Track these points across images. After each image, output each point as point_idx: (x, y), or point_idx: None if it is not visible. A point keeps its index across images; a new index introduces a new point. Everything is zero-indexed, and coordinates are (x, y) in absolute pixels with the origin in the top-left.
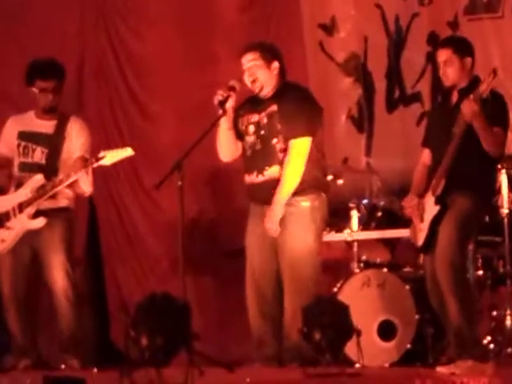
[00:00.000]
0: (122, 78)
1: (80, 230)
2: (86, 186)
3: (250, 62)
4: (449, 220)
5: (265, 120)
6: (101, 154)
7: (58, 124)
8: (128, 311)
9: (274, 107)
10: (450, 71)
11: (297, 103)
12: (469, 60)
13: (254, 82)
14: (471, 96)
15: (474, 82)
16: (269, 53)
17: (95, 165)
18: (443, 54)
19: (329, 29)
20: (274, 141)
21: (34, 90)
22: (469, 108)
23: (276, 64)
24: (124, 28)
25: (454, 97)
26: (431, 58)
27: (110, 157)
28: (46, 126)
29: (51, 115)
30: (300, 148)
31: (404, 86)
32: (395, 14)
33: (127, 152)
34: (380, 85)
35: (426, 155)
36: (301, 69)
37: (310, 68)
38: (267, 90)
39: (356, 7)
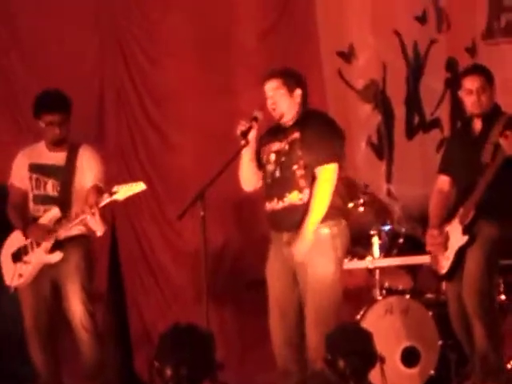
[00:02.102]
0: (141, 107)
1: (102, 261)
2: (96, 226)
3: (273, 90)
4: (477, 248)
5: (286, 147)
6: (114, 189)
7: (68, 155)
8: None
9: (297, 134)
10: (484, 98)
11: (319, 130)
12: (494, 88)
13: (274, 109)
14: (510, 132)
15: (496, 109)
16: (292, 80)
17: (108, 200)
18: (476, 82)
19: (347, 56)
20: (295, 167)
21: (41, 123)
22: (511, 144)
23: (299, 91)
24: (142, 57)
25: (477, 124)
26: (450, 85)
27: (124, 191)
28: (57, 158)
29: (61, 147)
30: (327, 174)
31: (423, 112)
32: (413, 41)
33: (140, 186)
34: (399, 111)
35: (443, 182)
36: (320, 96)
37: (329, 95)
38: (288, 118)
39: (374, 34)
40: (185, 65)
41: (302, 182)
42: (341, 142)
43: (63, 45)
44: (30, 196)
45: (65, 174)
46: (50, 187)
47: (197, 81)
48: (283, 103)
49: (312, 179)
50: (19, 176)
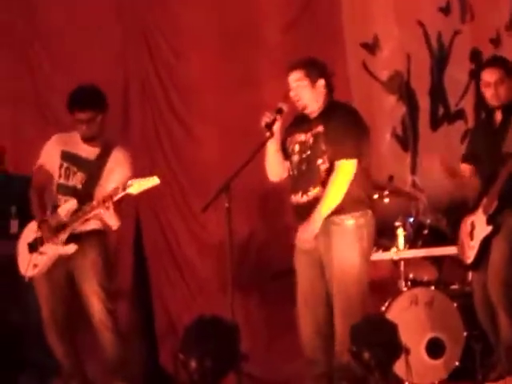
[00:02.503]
0: (165, 99)
1: (126, 254)
2: (111, 221)
3: (296, 81)
4: (502, 238)
5: (311, 140)
6: (128, 183)
7: (100, 153)
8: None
9: (320, 128)
10: (503, 91)
11: (343, 124)
12: None
13: (298, 100)
14: None
15: None
16: (314, 71)
17: (122, 194)
18: (494, 74)
19: (371, 48)
20: (319, 161)
21: (74, 119)
22: None
23: (321, 82)
24: (167, 49)
25: (498, 115)
26: (474, 75)
27: (137, 186)
28: (89, 152)
29: (95, 142)
30: (345, 169)
31: (448, 103)
32: (437, 32)
33: (154, 181)
34: (424, 103)
35: (464, 170)
36: (344, 88)
37: (353, 87)
38: (312, 109)
39: (398, 25)
40: (209, 57)
41: (326, 176)
42: (363, 136)
43: (86, 36)
44: (55, 184)
45: (93, 170)
46: (78, 179)
47: (221, 73)
48: (306, 94)
49: None
50: (50, 160)
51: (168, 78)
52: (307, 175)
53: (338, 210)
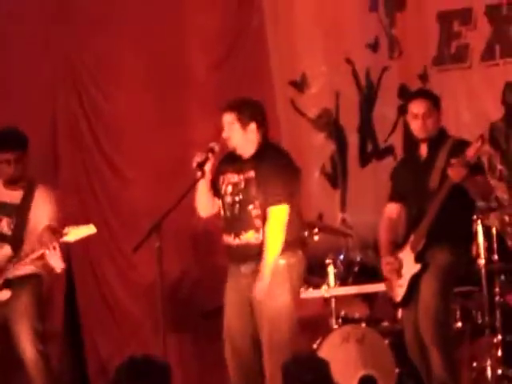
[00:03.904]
0: (94, 141)
1: (58, 296)
2: (56, 262)
3: (227, 124)
4: (431, 277)
5: (242, 184)
6: (65, 230)
7: (24, 194)
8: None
9: (252, 173)
10: (430, 123)
11: (273, 170)
12: (440, 112)
13: (228, 140)
14: (456, 161)
15: (442, 133)
16: (246, 114)
17: (59, 241)
18: (422, 106)
19: (300, 85)
20: (250, 207)
21: None
22: (457, 173)
23: (253, 126)
24: (95, 90)
25: (423, 149)
26: (402, 112)
27: (74, 234)
28: (13, 196)
29: (18, 185)
30: (278, 215)
31: (376, 139)
32: (366, 68)
33: (90, 229)
34: (352, 139)
35: (391, 210)
36: (273, 126)
37: (282, 125)
38: (243, 151)
39: (326, 63)
40: (137, 97)
41: (258, 222)
42: (294, 179)
43: (15, 79)
44: None
45: (20, 213)
46: (4, 225)
47: (149, 113)
48: (236, 137)
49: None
50: None
51: (96, 118)
52: (239, 219)
53: None
